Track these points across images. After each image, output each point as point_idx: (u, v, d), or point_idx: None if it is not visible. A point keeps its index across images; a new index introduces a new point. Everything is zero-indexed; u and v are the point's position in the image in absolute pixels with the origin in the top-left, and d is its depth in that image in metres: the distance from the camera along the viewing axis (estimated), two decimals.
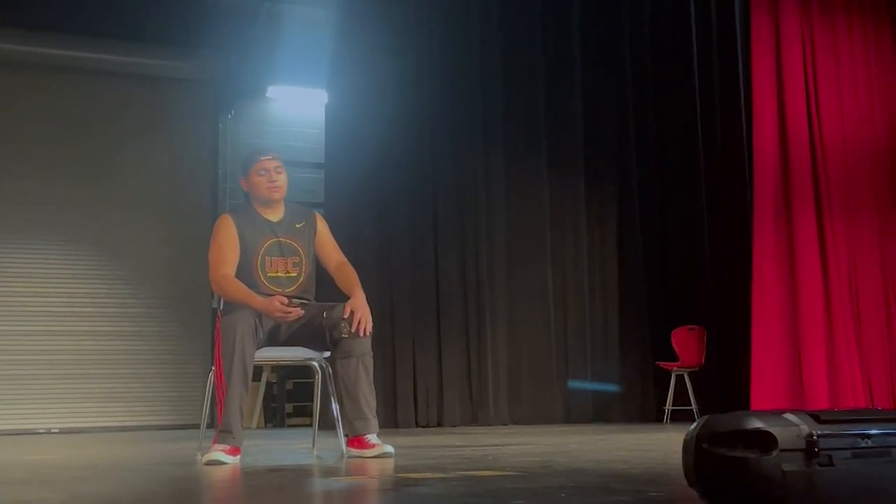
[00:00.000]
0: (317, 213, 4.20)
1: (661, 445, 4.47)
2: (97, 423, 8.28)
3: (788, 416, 1.82)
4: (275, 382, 8.72)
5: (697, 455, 1.82)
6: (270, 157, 4.03)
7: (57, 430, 8.13)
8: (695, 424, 1.87)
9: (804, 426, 1.79)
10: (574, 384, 8.11)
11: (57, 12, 8.20)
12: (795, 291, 7.21)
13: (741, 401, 6.93)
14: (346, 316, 3.80)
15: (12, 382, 8.24)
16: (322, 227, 4.12)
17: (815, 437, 1.78)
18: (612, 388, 8.22)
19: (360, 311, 3.81)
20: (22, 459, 4.48)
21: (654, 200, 8.72)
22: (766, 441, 1.76)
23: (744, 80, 7.86)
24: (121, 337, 8.62)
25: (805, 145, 7.42)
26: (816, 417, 1.82)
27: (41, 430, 8.10)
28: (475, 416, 7.81)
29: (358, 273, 4.05)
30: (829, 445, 1.78)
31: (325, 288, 4.23)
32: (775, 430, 1.77)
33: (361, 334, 3.81)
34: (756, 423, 1.78)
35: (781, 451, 1.76)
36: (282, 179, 4.02)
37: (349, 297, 3.88)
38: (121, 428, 8.23)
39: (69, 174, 8.65)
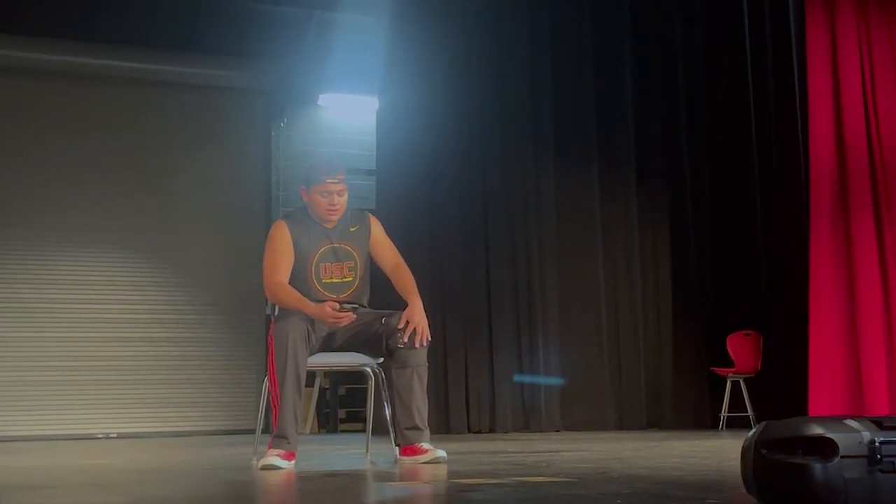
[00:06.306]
0: (371, 216, 4.16)
1: (717, 452, 4.41)
2: (153, 428, 8.40)
3: (849, 422, 1.79)
4: (328, 388, 8.78)
5: (756, 461, 1.80)
6: (336, 180, 3.94)
7: (115, 435, 8.26)
8: (754, 430, 1.85)
9: (866, 432, 1.76)
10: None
11: (109, 24, 8.35)
12: (854, 296, 7.07)
13: (798, 407, 6.81)
14: (401, 326, 3.80)
15: (71, 388, 8.40)
16: (377, 228, 4.10)
17: (877, 444, 1.74)
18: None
19: (416, 322, 3.80)
20: (83, 464, 4.56)
21: (708, 203, 8.63)
22: (826, 447, 1.73)
23: (799, 79, 7.72)
24: (176, 343, 8.75)
25: (863, 147, 7.26)
26: (879, 424, 1.79)
27: (100, 435, 8.23)
28: (527, 422, 7.79)
29: None
30: (893, 452, 1.75)
31: (380, 291, 4.23)
32: (836, 437, 1.74)
33: (417, 345, 3.81)
34: (816, 430, 1.76)
35: (842, 457, 1.73)
36: (342, 202, 3.96)
37: (406, 304, 3.88)
38: (176, 433, 8.34)
39: (125, 183, 8.80)
